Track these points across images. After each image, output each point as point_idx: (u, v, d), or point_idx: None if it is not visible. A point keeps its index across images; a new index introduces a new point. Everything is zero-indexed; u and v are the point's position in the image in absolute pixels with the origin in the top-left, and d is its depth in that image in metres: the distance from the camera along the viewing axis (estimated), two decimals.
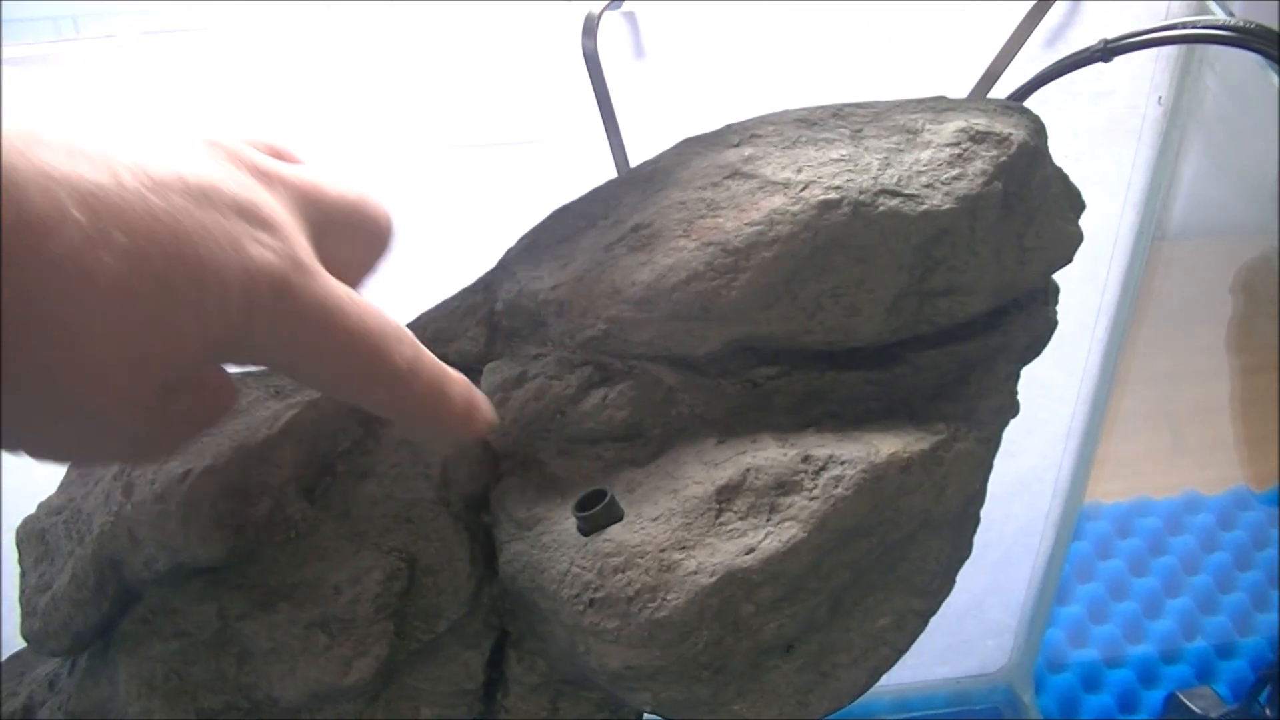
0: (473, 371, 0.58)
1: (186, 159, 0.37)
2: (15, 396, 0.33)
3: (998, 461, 0.53)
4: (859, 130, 0.52)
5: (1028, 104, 0.56)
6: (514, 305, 0.56)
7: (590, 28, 0.55)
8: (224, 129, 0.40)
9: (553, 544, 0.50)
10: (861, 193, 0.48)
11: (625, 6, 0.57)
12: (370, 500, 0.56)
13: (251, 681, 0.55)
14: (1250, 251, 0.80)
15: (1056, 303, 0.56)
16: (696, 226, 0.50)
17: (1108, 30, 0.55)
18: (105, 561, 0.57)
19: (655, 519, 0.48)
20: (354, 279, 0.46)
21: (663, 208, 0.52)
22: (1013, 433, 0.54)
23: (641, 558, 0.47)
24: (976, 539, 0.52)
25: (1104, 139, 0.60)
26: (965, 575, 0.52)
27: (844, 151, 0.50)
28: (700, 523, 0.47)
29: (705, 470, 0.49)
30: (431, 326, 0.59)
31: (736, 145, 0.52)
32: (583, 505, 0.50)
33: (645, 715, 0.53)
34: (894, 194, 0.48)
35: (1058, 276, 0.55)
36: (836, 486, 0.46)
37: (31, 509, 0.65)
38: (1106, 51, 0.54)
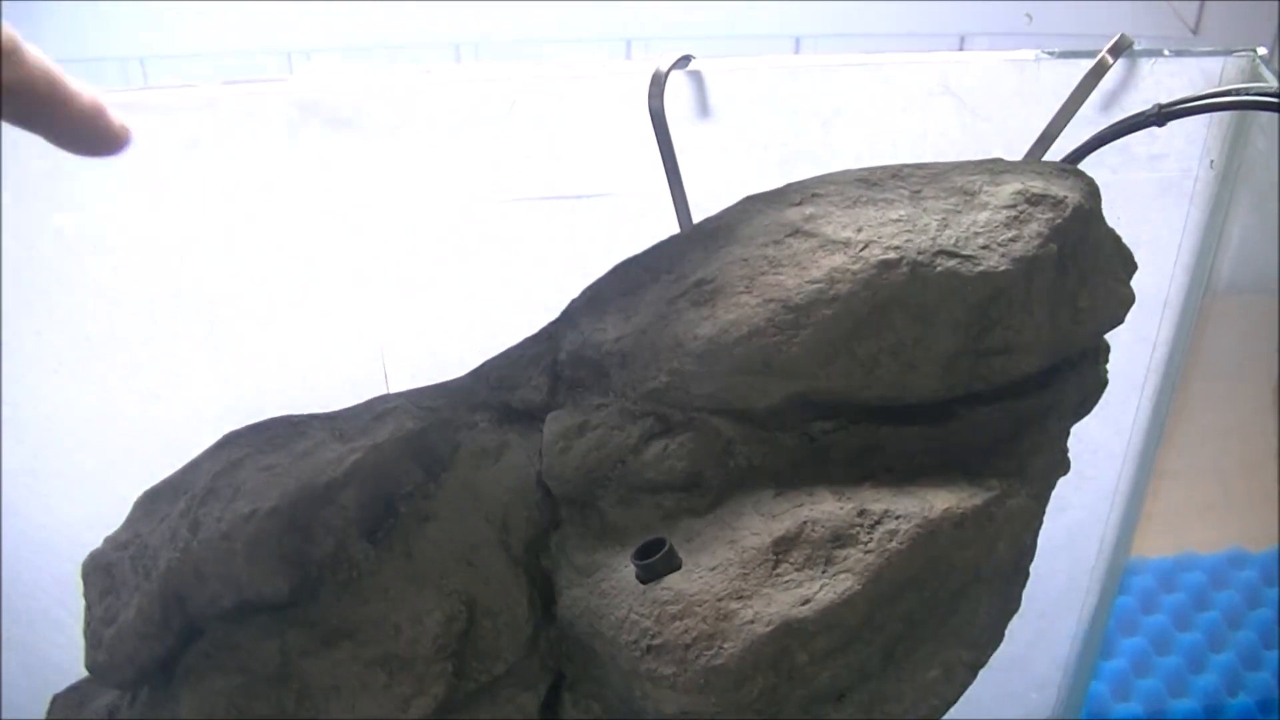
0: (536, 419, 0.59)
1: None
2: None
3: (1047, 516, 0.53)
4: (918, 191, 0.53)
5: (1083, 166, 0.57)
6: (577, 356, 0.57)
7: (657, 86, 0.57)
8: None
9: (611, 590, 0.51)
10: (920, 253, 0.49)
11: (692, 65, 0.58)
12: (431, 542, 0.57)
13: (311, 718, 0.56)
14: None
15: (1107, 361, 0.57)
16: (758, 283, 0.51)
17: (1161, 95, 0.56)
18: (171, 596, 0.58)
19: (713, 568, 0.49)
20: None
21: (725, 264, 0.53)
22: (1061, 488, 0.55)
23: (699, 606, 0.48)
24: (1024, 591, 0.53)
25: (1156, 201, 0.61)
26: (1011, 627, 0.53)
27: (903, 212, 0.52)
28: (757, 573, 0.48)
29: (763, 522, 0.50)
30: (495, 374, 0.60)
31: (798, 204, 0.54)
32: (642, 553, 0.51)
33: None
34: (952, 254, 0.49)
35: (1108, 335, 0.55)
36: (891, 540, 0.47)
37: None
38: (1160, 116, 0.55)
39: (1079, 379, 0.55)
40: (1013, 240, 0.50)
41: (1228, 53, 0.56)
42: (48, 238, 0.62)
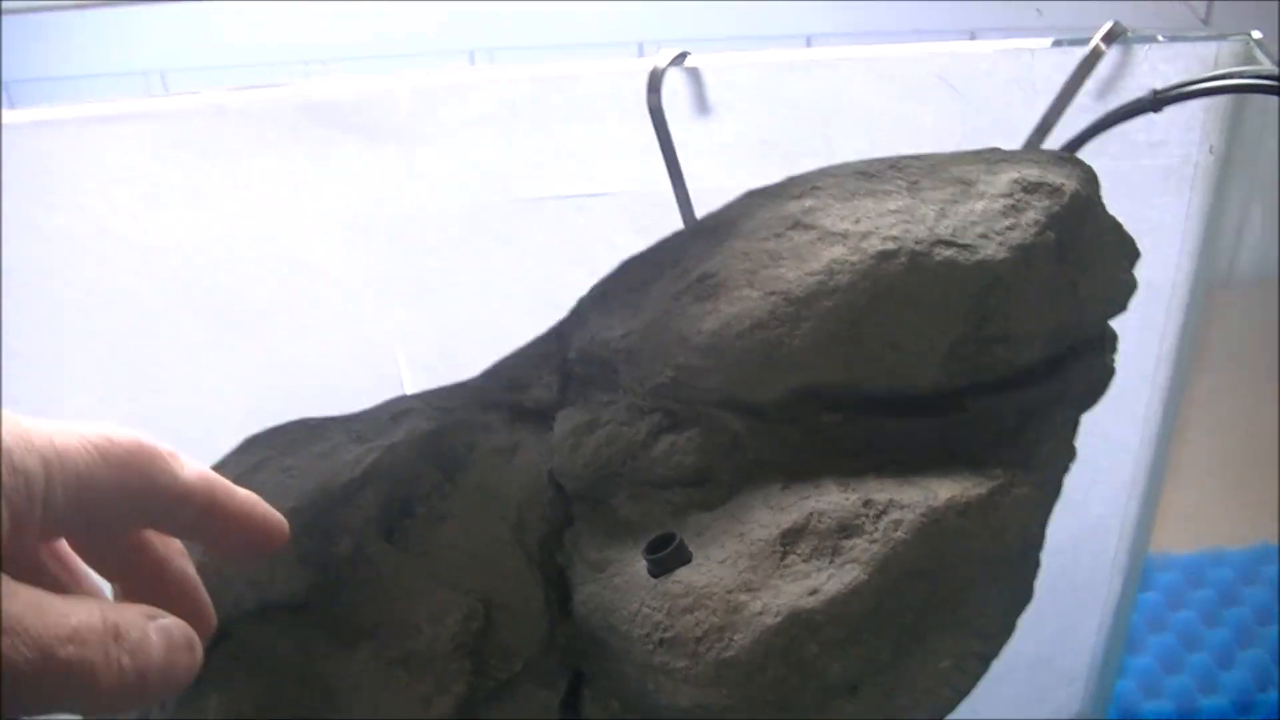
0: (547, 418, 0.60)
1: None
2: None
3: (1064, 511, 0.54)
4: (915, 182, 0.54)
5: (1082, 155, 0.57)
6: (586, 353, 0.58)
7: (655, 83, 0.57)
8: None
9: (624, 585, 0.52)
10: (918, 243, 0.50)
11: (689, 62, 0.59)
12: (448, 541, 0.58)
13: (336, 718, 0.57)
14: None
15: (1115, 351, 0.57)
16: (760, 276, 0.52)
17: (1157, 82, 0.56)
18: None
19: (722, 561, 0.50)
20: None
21: (728, 258, 0.54)
22: (1078, 481, 0.55)
23: (709, 599, 0.48)
24: (1044, 587, 0.53)
25: (1158, 188, 0.61)
26: (1034, 623, 0.53)
27: (901, 203, 0.52)
28: (765, 565, 0.49)
29: (770, 514, 0.50)
30: (507, 373, 0.61)
31: (798, 197, 0.54)
32: (653, 548, 0.51)
33: None
34: (950, 244, 0.50)
35: (1116, 325, 0.56)
36: (896, 530, 0.47)
37: None
38: (1156, 102, 0.55)
39: (1084, 369, 0.55)
40: (1010, 229, 0.51)
41: (1222, 37, 0.57)
42: (68, 243, 0.63)
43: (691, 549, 0.51)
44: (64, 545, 0.41)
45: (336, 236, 0.63)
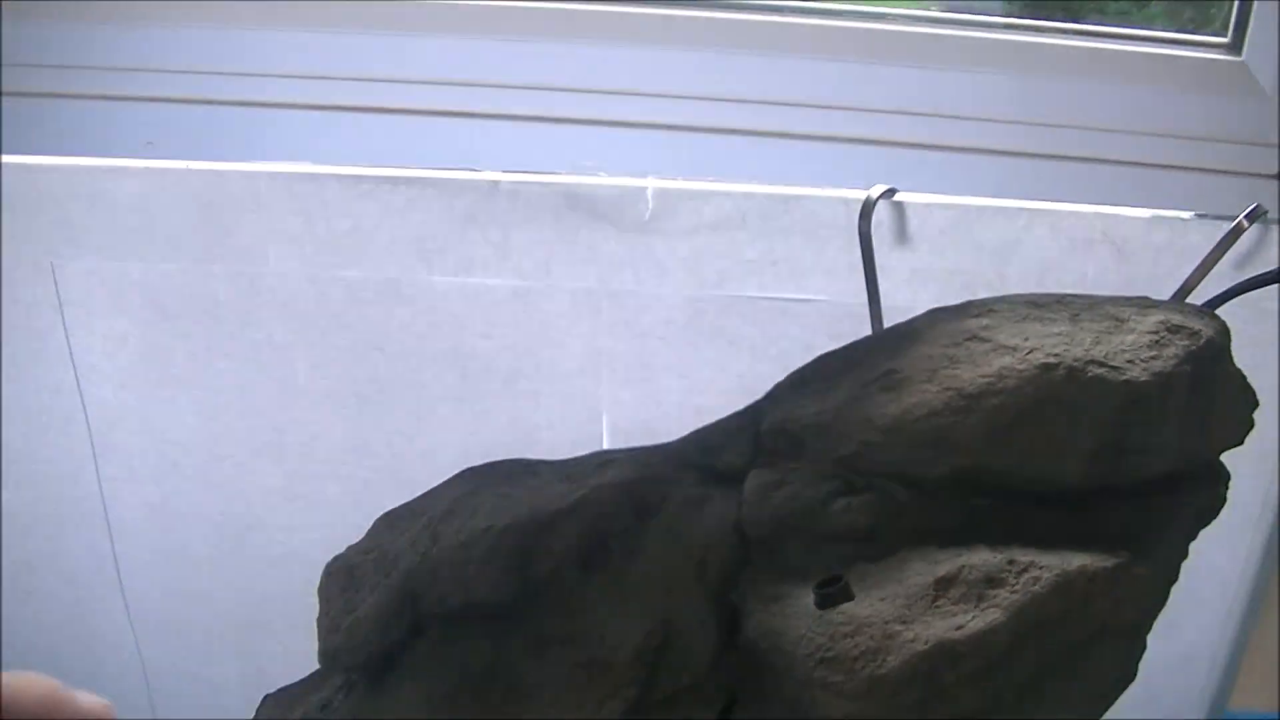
0: (737, 481, 0.70)
1: None
2: None
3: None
4: (1076, 314, 0.64)
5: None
6: (778, 428, 0.68)
7: (866, 211, 0.69)
8: None
9: (793, 614, 0.62)
10: (1075, 360, 0.60)
11: (897, 197, 0.70)
12: (638, 572, 0.68)
13: (515, 713, 0.66)
14: None
15: (1227, 487, 0.66)
16: (939, 375, 0.63)
17: None
18: (407, 593, 0.69)
19: (882, 599, 0.59)
20: None
21: (912, 358, 0.64)
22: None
23: (868, 627, 0.58)
24: None
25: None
26: None
27: (1063, 329, 0.63)
28: (919, 604, 0.58)
29: (927, 566, 0.60)
30: (704, 440, 0.72)
31: (976, 316, 0.65)
32: (821, 585, 0.61)
33: None
34: (1101, 364, 0.60)
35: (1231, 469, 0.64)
36: (1035, 585, 0.57)
37: None
38: None
39: (1199, 491, 0.65)
40: (1154, 358, 0.61)
41: None
42: (341, 292, 0.75)
43: (855, 591, 0.61)
44: None
45: (573, 310, 0.75)
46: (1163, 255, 0.68)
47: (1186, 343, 0.62)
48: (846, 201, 0.69)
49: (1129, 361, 0.61)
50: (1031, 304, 0.66)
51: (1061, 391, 0.60)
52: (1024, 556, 0.59)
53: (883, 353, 0.66)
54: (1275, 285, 0.66)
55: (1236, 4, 0.87)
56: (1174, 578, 0.63)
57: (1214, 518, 0.66)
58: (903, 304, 0.68)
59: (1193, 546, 0.65)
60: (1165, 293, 0.68)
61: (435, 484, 0.73)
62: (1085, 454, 0.61)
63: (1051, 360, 0.61)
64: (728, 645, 0.66)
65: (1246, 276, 0.67)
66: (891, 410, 0.63)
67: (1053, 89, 0.81)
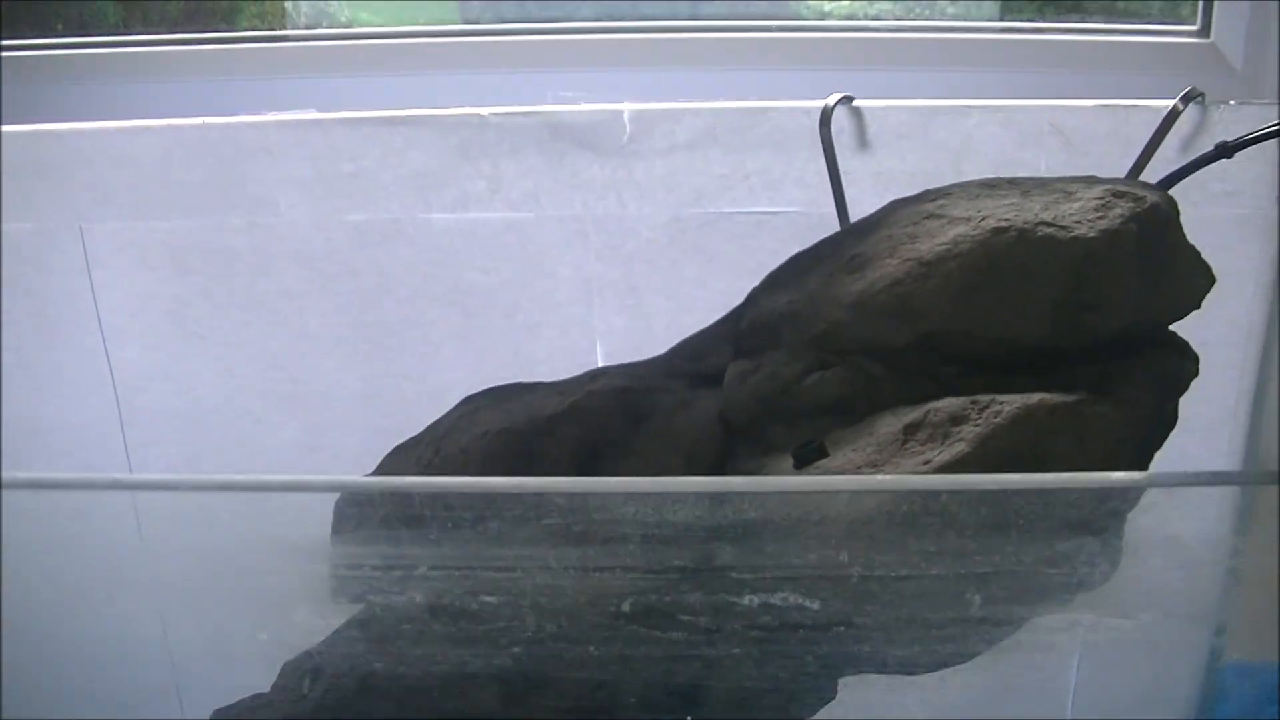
0: (721, 381, 0.74)
1: None
2: None
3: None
4: (1026, 191, 0.68)
5: None
6: (756, 323, 0.72)
7: (825, 118, 0.74)
8: None
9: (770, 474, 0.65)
10: (1025, 223, 0.64)
11: (855, 103, 0.75)
12: (631, 470, 0.72)
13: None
14: None
15: (1195, 364, 0.69)
16: (899, 250, 0.67)
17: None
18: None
19: (854, 451, 0.63)
20: None
21: (874, 242, 0.68)
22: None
23: (840, 473, 0.62)
24: None
25: (1236, 234, 0.74)
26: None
27: (1014, 200, 0.67)
28: (889, 449, 0.62)
29: (895, 417, 0.63)
30: (689, 349, 0.76)
31: (933, 200, 0.69)
32: (799, 450, 0.65)
33: None
34: (1050, 225, 0.64)
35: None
36: (996, 417, 0.60)
37: None
38: (1227, 149, 0.69)
39: (1161, 361, 0.68)
40: (1100, 218, 0.64)
41: None
42: (348, 236, 0.80)
43: (831, 451, 0.64)
44: None
45: (563, 239, 0.79)
46: (1110, 143, 0.72)
47: (1131, 205, 0.65)
48: (809, 112, 0.73)
49: (1076, 222, 0.65)
50: (985, 185, 0.70)
51: (1014, 250, 0.64)
52: (986, 396, 0.62)
53: (848, 243, 0.71)
54: (1218, 163, 0.70)
55: None
56: (1143, 429, 0.66)
57: (1182, 390, 0.68)
58: (869, 207, 0.72)
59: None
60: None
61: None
62: (1042, 311, 0.64)
63: (1003, 224, 0.65)
64: None
65: (1190, 159, 0.71)
66: (857, 288, 0.67)
67: (1038, 80, 0.86)
